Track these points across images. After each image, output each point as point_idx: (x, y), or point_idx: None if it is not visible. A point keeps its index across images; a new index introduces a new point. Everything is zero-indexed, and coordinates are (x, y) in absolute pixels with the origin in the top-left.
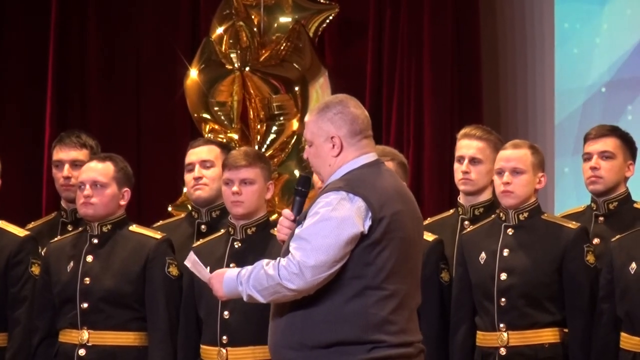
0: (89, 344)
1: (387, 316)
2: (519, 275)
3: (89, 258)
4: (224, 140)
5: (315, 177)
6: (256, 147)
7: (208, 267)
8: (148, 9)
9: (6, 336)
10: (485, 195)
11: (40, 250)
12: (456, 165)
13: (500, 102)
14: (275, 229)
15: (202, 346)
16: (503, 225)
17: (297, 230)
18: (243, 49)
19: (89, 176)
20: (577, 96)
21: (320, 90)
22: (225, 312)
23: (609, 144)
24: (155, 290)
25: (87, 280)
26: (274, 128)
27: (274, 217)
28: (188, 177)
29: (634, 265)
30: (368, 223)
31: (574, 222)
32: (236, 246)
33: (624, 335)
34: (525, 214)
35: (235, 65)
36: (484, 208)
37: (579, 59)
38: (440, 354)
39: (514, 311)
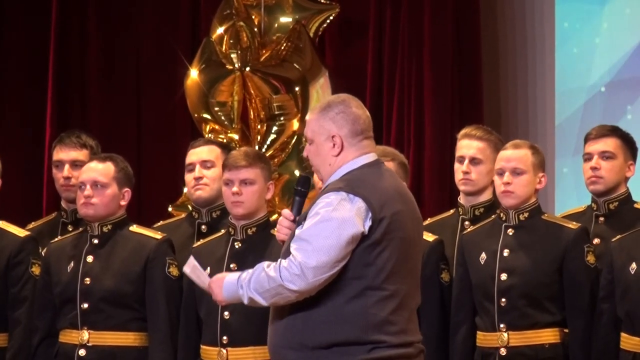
0: (89, 344)
1: (387, 316)
2: (519, 276)
3: (89, 258)
4: (225, 141)
5: (315, 178)
6: (256, 147)
7: (208, 268)
8: (148, 9)
9: (6, 336)
10: (486, 196)
11: (40, 251)
12: (456, 166)
13: (501, 102)
14: (275, 229)
15: (202, 346)
16: (503, 225)
17: (297, 231)
18: (243, 49)
19: (90, 176)
20: (577, 96)
21: (320, 90)
22: (226, 313)
23: (610, 144)
24: (156, 291)
25: (88, 280)
26: (275, 128)
27: (274, 217)
28: (188, 177)
29: (634, 265)
30: (368, 223)
31: (574, 222)
32: (236, 246)
33: (624, 335)
34: (526, 214)
35: (236, 65)
36: (484, 208)
37: (579, 59)
38: (440, 354)
39: (514, 311)
